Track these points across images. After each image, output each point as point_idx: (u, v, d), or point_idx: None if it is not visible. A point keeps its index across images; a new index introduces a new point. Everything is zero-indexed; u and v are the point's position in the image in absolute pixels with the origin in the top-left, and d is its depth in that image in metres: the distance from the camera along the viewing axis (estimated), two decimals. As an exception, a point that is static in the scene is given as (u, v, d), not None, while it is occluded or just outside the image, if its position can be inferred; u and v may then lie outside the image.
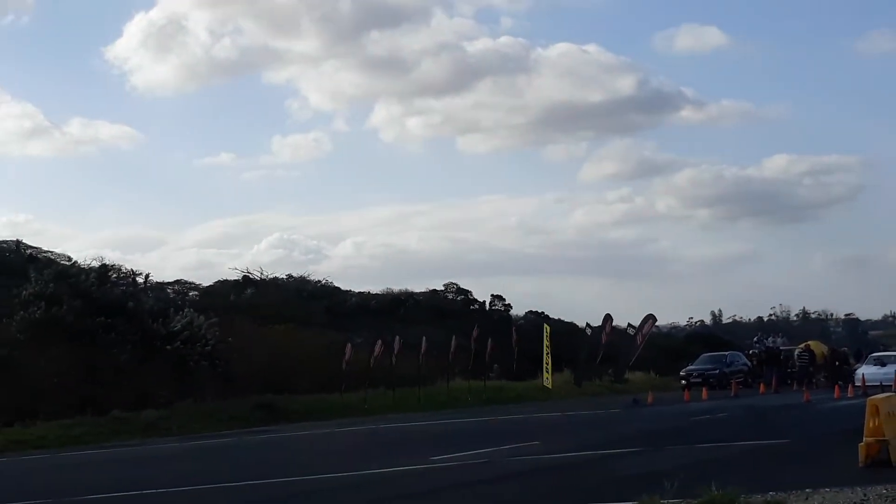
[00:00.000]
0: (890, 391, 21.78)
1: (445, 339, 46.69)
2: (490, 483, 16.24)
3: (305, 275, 73.43)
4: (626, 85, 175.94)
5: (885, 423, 15.85)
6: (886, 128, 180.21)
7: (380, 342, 43.07)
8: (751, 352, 54.22)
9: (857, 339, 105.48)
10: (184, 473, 20.24)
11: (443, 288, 75.90)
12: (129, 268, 53.39)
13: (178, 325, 39.28)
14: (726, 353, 55.09)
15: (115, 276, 45.69)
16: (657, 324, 64.87)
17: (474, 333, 48.03)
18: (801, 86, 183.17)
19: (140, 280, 50.90)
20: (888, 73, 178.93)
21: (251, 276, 68.47)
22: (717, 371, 49.34)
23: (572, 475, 16.94)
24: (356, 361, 42.20)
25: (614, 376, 52.73)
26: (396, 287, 75.89)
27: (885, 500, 11.70)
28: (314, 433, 29.93)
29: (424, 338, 44.77)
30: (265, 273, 70.33)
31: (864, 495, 12.10)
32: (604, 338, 53.12)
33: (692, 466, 16.65)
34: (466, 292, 75.40)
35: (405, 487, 16.03)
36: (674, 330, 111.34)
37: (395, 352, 42.53)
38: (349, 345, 42.63)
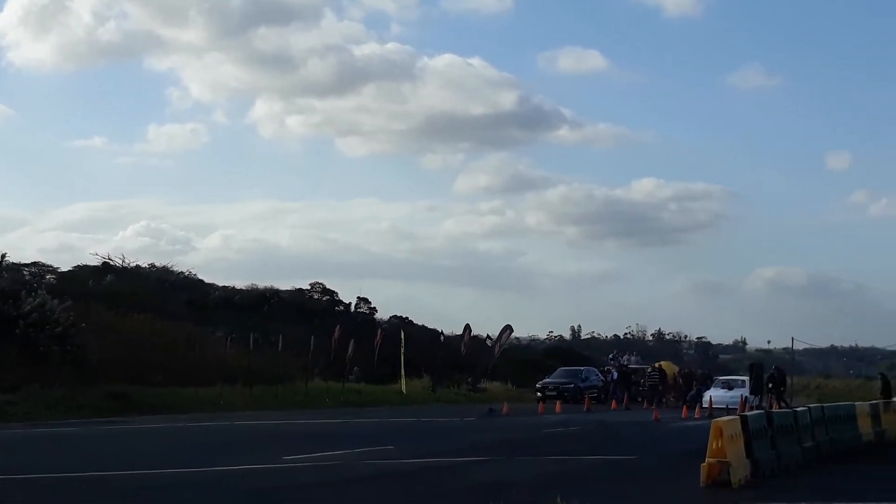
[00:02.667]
0: (735, 414, 22.47)
1: (307, 339, 46.46)
2: (339, 485, 16.21)
3: (169, 265, 72.12)
4: (507, 100, 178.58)
5: (727, 445, 16.39)
6: (751, 160, 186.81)
7: (231, 336, 42.58)
8: (605, 368, 55.41)
9: (707, 362, 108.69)
10: (24, 461, 19.63)
11: (309, 287, 75.44)
12: (-17, 247, 51.55)
13: (28, 307, 38.06)
14: (582, 368, 56.14)
15: (-33, 254, 44.09)
16: (516, 336, 65.75)
17: (336, 334, 47.91)
18: (674, 114, 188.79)
19: (-6, 260, 49.16)
20: (757, 109, 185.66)
21: (112, 263, 66.95)
22: (572, 385, 50.24)
23: (423, 481, 17.03)
24: (215, 356, 41.61)
25: (471, 385, 53.21)
26: (262, 283, 75.14)
27: (722, 520, 12.09)
28: (166, 426, 29.39)
29: (281, 335, 44.46)
30: (127, 261, 68.88)
31: (703, 514, 12.48)
32: (462, 347, 53.60)
33: (541, 477, 16.93)
34: (332, 293, 75.09)
35: (253, 486, 15.87)
36: (533, 343, 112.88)
37: (255, 348, 42.08)
38: (205, 339, 41.99)
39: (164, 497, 14.58)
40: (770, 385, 43.89)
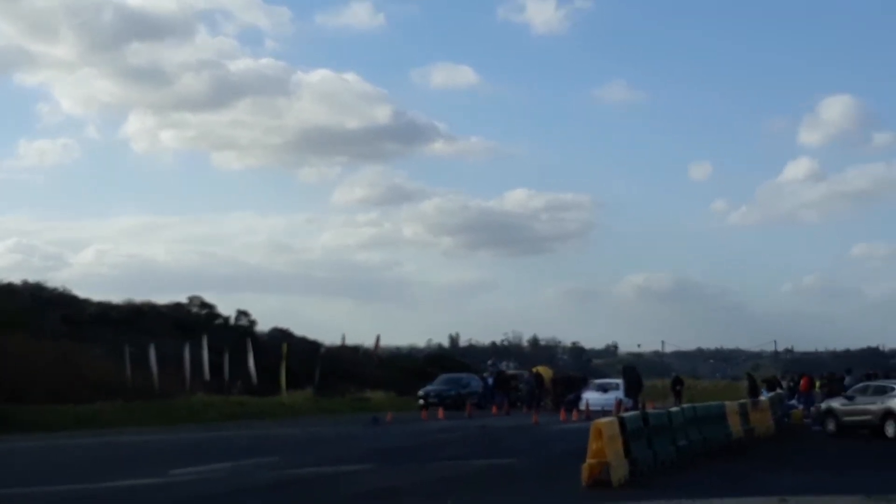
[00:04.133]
0: (611, 416, 23.25)
1: (187, 353, 46.00)
2: (227, 496, 16.33)
3: (42, 282, 70.42)
4: (382, 114, 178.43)
5: (606, 445, 17.05)
6: (618, 171, 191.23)
7: (111, 353, 41.98)
8: (485, 374, 56.14)
9: (581, 366, 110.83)
10: None
11: (187, 301, 74.50)
12: None
13: None
14: (463, 375, 56.72)
15: None
16: (397, 344, 66.37)
17: (216, 348, 47.61)
18: (544, 127, 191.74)
19: None
20: (622, 122, 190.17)
21: (-20, 280, 65.09)
22: (454, 392, 50.72)
23: (310, 490, 17.23)
24: (92, 372, 40.91)
25: (354, 394, 53.38)
26: (139, 298, 73.89)
27: (603, 517, 12.65)
28: (45, 444, 28.84)
29: (156, 349, 43.97)
30: (-2, 278, 67.03)
31: (585, 512, 13.02)
32: (341, 356, 53.82)
33: (428, 484, 17.29)
34: (211, 306, 74.26)
35: (141, 501, 15.89)
36: (413, 351, 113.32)
37: (134, 364, 41.51)
38: (82, 355, 41.24)
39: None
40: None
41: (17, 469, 22.20)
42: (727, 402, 28.51)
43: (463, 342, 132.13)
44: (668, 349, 65.51)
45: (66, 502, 15.91)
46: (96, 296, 73.90)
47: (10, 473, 21.01)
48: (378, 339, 57.83)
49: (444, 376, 55.71)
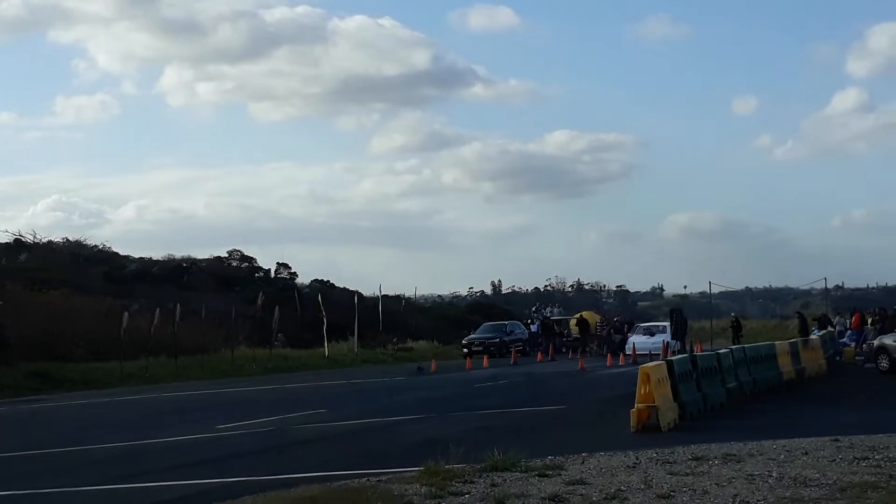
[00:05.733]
0: (658, 360, 22.94)
1: (229, 307, 46.13)
2: (278, 450, 16.23)
3: (82, 239, 71.01)
4: (420, 59, 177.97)
5: (655, 390, 16.77)
6: (661, 109, 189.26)
7: (159, 310, 42.11)
8: (528, 321, 55.96)
9: (627, 309, 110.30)
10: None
11: (227, 255, 74.82)
12: None
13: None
14: (506, 322, 56.56)
15: None
16: (439, 293, 66.23)
17: (259, 301, 47.65)
18: (584, 66, 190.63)
19: None
20: (664, 58, 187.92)
21: (24, 240, 65.67)
22: (498, 340, 50.62)
23: (359, 441, 17.12)
24: (136, 329, 41.08)
25: (397, 345, 53.40)
26: (179, 253, 74.38)
27: (656, 463, 12.37)
28: (92, 402, 29.06)
29: (204, 305, 44.08)
30: (39, 236, 67.65)
31: (637, 458, 12.76)
32: (380, 306, 53.69)
33: (475, 432, 17.14)
34: (251, 260, 74.61)
35: (190, 456, 15.83)
36: (456, 299, 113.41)
37: (177, 319, 41.64)
38: (126, 312, 41.43)
39: (106, 469, 14.47)
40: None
41: (66, 426, 22.31)
42: (777, 342, 28.12)
43: (505, 289, 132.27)
44: (716, 290, 64.78)
45: (115, 459, 15.87)
46: (137, 252, 74.45)
47: (58, 431, 21.12)
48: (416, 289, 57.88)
49: (487, 324, 55.63)
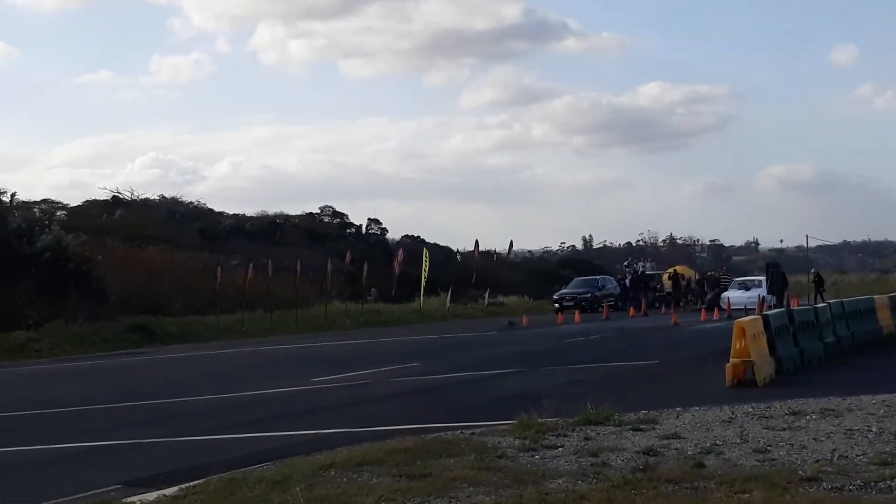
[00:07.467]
0: (753, 314, 22.60)
1: (322, 262, 46.64)
2: (373, 402, 16.42)
3: (178, 196, 72.27)
4: (511, 13, 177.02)
5: (750, 344, 16.54)
6: (756, 59, 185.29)
7: (253, 265, 42.81)
8: (620, 276, 55.56)
9: (721, 264, 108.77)
10: (59, 394, 19.92)
11: (319, 211, 75.57)
12: (-7, 187, 51.53)
13: (42, 244, 38.12)
14: (598, 277, 56.25)
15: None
16: (529, 248, 66.10)
17: (349, 256, 48.13)
18: (677, 17, 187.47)
19: (6, 199, 49.27)
20: (760, 6, 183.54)
21: (121, 197, 67.07)
22: (589, 295, 50.36)
23: (452, 395, 17.22)
24: (231, 284, 41.82)
25: (488, 299, 53.48)
26: (272, 210, 75.40)
27: (752, 418, 12.21)
28: (191, 355, 29.69)
29: (299, 260, 44.61)
30: (136, 193, 69.03)
31: (732, 413, 12.61)
32: (475, 262, 53.76)
33: (567, 386, 17.12)
34: (342, 215, 75.23)
35: (287, 407, 16.09)
36: (546, 254, 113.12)
37: (271, 274, 42.27)
38: (220, 267, 42.16)
39: (206, 419, 14.79)
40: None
41: (165, 379, 22.83)
42: (876, 296, 27.47)
43: (596, 244, 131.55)
44: (812, 243, 63.36)
45: (213, 411, 16.21)
46: (231, 208, 75.62)
47: (158, 383, 21.62)
48: (511, 244, 57.74)
49: (578, 279, 55.38)
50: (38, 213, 54.59)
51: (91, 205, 65.47)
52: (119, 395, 18.75)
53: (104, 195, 67.54)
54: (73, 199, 70.22)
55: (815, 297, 44.62)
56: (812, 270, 53.75)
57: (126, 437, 13.40)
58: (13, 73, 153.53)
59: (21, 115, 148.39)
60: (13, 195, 50.50)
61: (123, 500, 8.71)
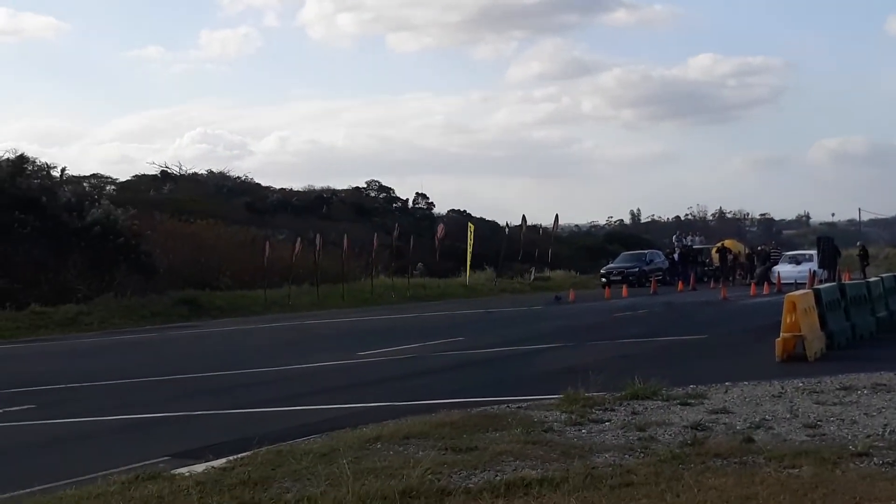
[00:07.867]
0: (804, 289, 22.32)
1: (368, 237, 46.74)
2: (418, 376, 16.42)
3: (226, 170, 72.74)
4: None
5: (801, 319, 16.32)
6: (809, 30, 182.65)
7: (300, 239, 42.99)
8: (669, 250, 55.09)
9: (771, 238, 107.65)
10: (108, 367, 20.15)
11: (365, 185, 75.71)
12: (44, 161, 52.15)
13: (92, 218, 38.50)
14: (646, 251, 55.80)
15: (30, 169, 44.55)
16: (577, 223, 65.85)
17: (396, 231, 48.15)
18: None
19: (56, 174, 49.78)
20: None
21: (170, 172, 67.60)
22: (637, 269, 49.98)
23: (498, 369, 17.19)
24: (278, 258, 42.02)
25: (535, 273, 53.32)
26: (318, 184, 75.64)
27: (802, 393, 12.06)
28: (239, 328, 29.89)
29: (346, 235, 44.73)
30: (184, 168, 69.54)
31: (782, 388, 12.46)
32: (522, 236, 53.57)
33: (614, 360, 16.99)
34: (389, 190, 75.36)
35: (334, 381, 16.14)
36: (594, 229, 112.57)
37: (318, 248, 42.41)
38: (267, 241, 42.39)
39: (254, 392, 14.87)
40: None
41: (213, 353, 23.00)
42: (930, 271, 27.00)
43: (644, 218, 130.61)
44: (865, 217, 62.62)
45: (261, 383, 16.31)
46: (278, 183, 76.03)
47: (205, 357, 21.79)
48: (557, 218, 57.58)
49: (626, 253, 55.01)
50: (87, 188, 55.12)
51: (140, 179, 66.09)
52: (167, 369, 18.92)
53: (153, 170, 68.20)
54: (123, 174, 71.07)
55: (861, 271, 43.96)
56: (858, 244, 52.95)
57: (174, 410, 13.52)
58: (64, 49, 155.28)
59: (71, 91, 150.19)
60: (63, 170, 51.01)
61: (172, 472, 8.76)
